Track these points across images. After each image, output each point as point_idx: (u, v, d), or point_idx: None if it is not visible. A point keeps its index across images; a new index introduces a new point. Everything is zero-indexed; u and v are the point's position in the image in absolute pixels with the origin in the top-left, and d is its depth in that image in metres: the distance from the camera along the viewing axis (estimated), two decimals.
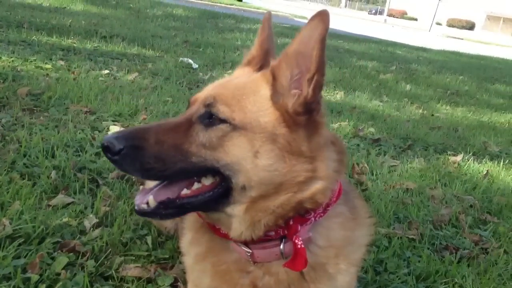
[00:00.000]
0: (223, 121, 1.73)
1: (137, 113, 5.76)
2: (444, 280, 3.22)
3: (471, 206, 4.67)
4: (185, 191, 1.78)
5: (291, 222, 1.81)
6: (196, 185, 1.78)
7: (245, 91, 1.81)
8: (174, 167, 1.70)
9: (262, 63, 2.12)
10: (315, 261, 1.89)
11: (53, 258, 2.72)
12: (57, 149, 4.13)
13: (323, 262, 1.91)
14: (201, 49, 11.44)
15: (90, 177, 3.76)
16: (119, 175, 3.87)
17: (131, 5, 17.74)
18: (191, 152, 1.72)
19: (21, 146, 4.06)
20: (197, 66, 9.43)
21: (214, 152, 1.72)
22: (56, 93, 5.75)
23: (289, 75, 1.79)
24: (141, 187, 1.88)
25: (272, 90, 1.80)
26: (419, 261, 3.45)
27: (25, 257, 2.69)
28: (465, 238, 3.96)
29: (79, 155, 4.16)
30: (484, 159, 6.29)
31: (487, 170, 5.76)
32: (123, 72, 7.88)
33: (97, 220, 3.18)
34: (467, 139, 7.30)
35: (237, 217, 1.80)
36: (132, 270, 2.75)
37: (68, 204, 3.35)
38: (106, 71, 7.68)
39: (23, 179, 3.56)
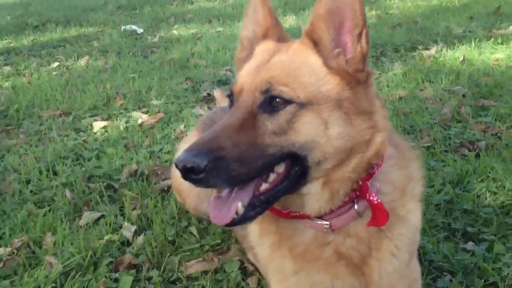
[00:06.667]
0: (288, 102, 1.67)
1: (110, 100, 5.58)
2: (478, 179, 3.32)
3: (463, 96, 4.77)
4: (264, 186, 1.72)
5: (360, 182, 1.81)
6: (272, 176, 1.73)
7: (295, 66, 1.74)
8: (257, 165, 1.64)
9: (278, 34, 2.01)
10: (387, 208, 1.91)
11: (115, 280, 2.68)
12: (56, 165, 3.99)
13: (393, 207, 1.92)
14: (137, 11, 11.03)
15: (104, 184, 3.66)
16: (130, 172, 3.79)
17: None
18: (266, 144, 1.65)
19: (19, 173, 3.90)
20: (142, 30, 9.12)
21: (286, 136, 1.67)
22: (20, 104, 5.49)
23: (329, 35, 1.75)
24: (212, 198, 1.79)
25: (321, 56, 1.75)
26: (444, 166, 3.53)
27: None
28: (472, 130, 4.06)
29: (81, 164, 4.04)
30: (456, 45, 6.36)
31: (463, 55, 5.84)
32: (72, 59, 7.58)
33: (135, 227, 3.12)
34: (429, 29, 7.37)
35: (314, 194, 1.78)
36: (195, 266, 2.74)
37: (98, 219, 3.27)
38: (56, 64, 7.37)
39: (39, 207, 3.45)
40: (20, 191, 3.67)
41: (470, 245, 2.78)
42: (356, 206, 1.83)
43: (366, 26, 1.72)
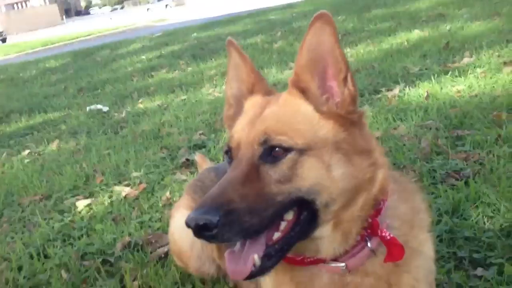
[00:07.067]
0: (287, 150, 1.71)
1: (89, 178, 5.52)
2: (473, 206, 3.38)
3: (437, 129, 4.91)
4: (276, 235, 1.74)
5: (369, 220, 1.84)
6: (282, 224, 1.75)
7: (288, 115, 1.81)
8: (268, 214, 1.65)
9: (264, 88, 2.07)
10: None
11: None
12: (47, 248, 3.89)
13: (405, 240, 1.94)
14: (99, 91, 11.08)
15: (99, 260, 3.57)
16: (124, 245, 3.72)
17: (1, 76, 16.79)
18: (274, 193, 1.68)
19: (10, 261, 3.79)
20: (107, 108, 9.14)
21: (292, 182, 1.70)
22: None
23: (315, 83, 1.83)
24: (226, 254, 1.78)
25: (311, 103, 1.82)
26: (435, 198, 3.59)
27: None
28: (454, 159, 4.16)
29: (72, 244, 3.95)
30: (417, 82, 6.60)
31: (426, 91, 6.06)
32: (42, 145, 7.49)
33: None
34: (387, 71, 7.60)
35: (327, 237, 1.81)
36: None
37: None
38: (27, 151, 7.27)
39: None
40: (14, 278, 3.56)
41: (479, 270, 2.79)
42: (369, 244, 1.85)
43: (350, 69, 1.80)
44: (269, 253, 1.71)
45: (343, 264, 1.85)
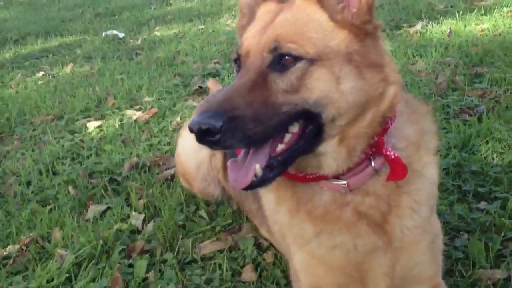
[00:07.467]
0: (297, 58, 1.64)
1: (101, 101, 5.53)
2: (483, 141, 3.32)
3: (456, 66, 4.78)
4: (280, 147, 1.69)
5: (375, 138, 1.79)
6: (287, 136, 1.70)
7: (301, 23, 1.72)
8: (272, 123, 1.61)
9: None
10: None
11: (130, 265, 2.65)
12: (56, 165, 3.94)
13: (409, 162, 1.88)
14: (116, 17, 10.95)
15: (106, 178, 3.61)
16: (132, 165, 3.75)
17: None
18: (280, 103, 1.63)
19: (19, 176, 3.84)
20: (123, 34, 9.04)
21: (299, 93, 1.64)
22: (11, 113, 5.42)
23: None
24: (229, 163, 1.75)
25: (325, 11, 1.73)
26: (446, 133, 3.53)
27: (101, 276, 2.60)
28: (469, 96, 4.06)
29: (80, 163, 3.99)
30: (440, 19, 6.39)
31: (449, 28, 5.86)
32: (57, 68, 7.49)
33: (143, 215, 3.09)
34: (411, 7, 7.37)
35: (330, 153, 1.75)
36: (209, 247, 2.71)
37: (104, 211, 3.22)
38: (41, 73, 7.29)
39: (43, 206, 3.40)
40: (22, 192, 3.62)
41: (483, 204, 2.77)
42: (372, 163, 1.80)
43: None
44: (271, 164, 1.67)
45: (345, 182, 1.81)
